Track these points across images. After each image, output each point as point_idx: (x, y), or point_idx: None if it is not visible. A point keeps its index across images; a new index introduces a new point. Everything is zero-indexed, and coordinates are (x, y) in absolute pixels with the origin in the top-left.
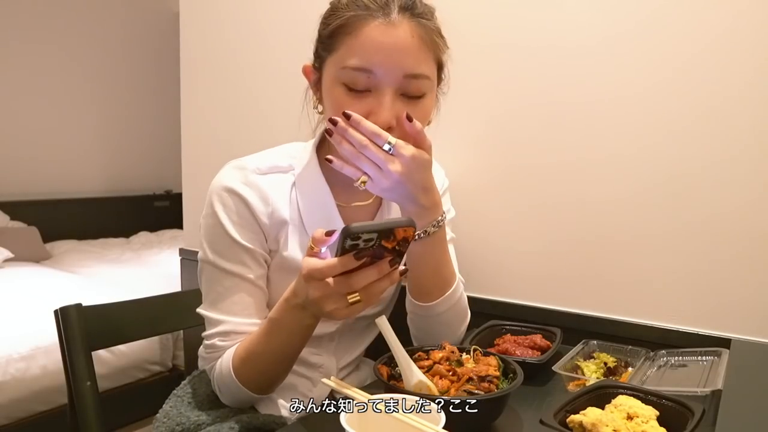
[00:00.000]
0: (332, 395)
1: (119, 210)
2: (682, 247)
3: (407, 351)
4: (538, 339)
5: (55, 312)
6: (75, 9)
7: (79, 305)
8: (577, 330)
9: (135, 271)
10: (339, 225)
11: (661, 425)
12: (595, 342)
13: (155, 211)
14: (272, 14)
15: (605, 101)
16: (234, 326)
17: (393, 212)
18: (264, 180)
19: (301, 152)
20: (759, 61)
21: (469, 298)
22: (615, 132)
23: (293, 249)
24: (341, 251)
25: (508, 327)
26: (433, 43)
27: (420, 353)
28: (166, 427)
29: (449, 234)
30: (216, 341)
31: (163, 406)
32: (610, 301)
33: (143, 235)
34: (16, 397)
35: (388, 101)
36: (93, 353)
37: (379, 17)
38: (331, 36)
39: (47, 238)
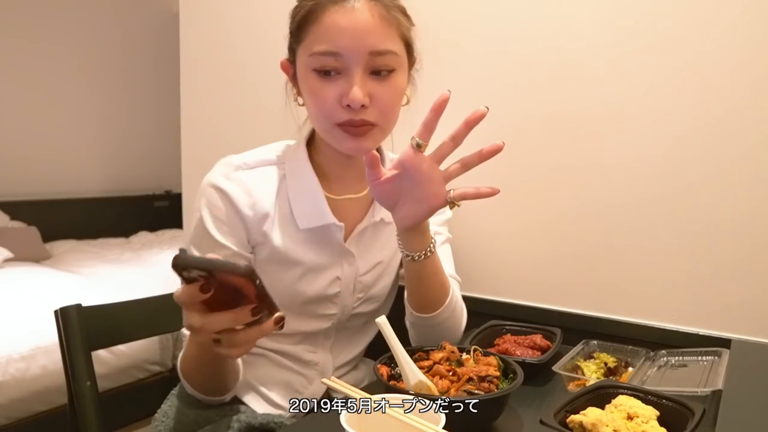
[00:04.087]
0: (328, 394)
1: (119, 210)
2: (682, 248)
3: (407, 351)
4: (538, 339)
5: (55, 312)
6: (75, 9)
7: (79, 305)
8: (577, 330)
9: (135, 271)
10: (328, 217)
11: (661, 425)
12: (595, 342)
13: (155, 211)
14: (272, 14)
15: (605, 105)
16: None
17: (384, 209)
18: (249, 174)
19: (293, 146)
20: (762, 68)
21: (469, 298)
22: (616, 134)
23: (283, 241)
24: (184, 280)
25: (508, 327)
26: (395, 20)
27: (420, 353)
28: (165, 426)
29: (445, 234)
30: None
31: (162, 406)
32: (610, 301)
33: (143, 235)
34: (16, 397)
35: (358, 80)
36: (93, 353)
37: (339, 2)
38: (298, 27)
39: (47, 238)
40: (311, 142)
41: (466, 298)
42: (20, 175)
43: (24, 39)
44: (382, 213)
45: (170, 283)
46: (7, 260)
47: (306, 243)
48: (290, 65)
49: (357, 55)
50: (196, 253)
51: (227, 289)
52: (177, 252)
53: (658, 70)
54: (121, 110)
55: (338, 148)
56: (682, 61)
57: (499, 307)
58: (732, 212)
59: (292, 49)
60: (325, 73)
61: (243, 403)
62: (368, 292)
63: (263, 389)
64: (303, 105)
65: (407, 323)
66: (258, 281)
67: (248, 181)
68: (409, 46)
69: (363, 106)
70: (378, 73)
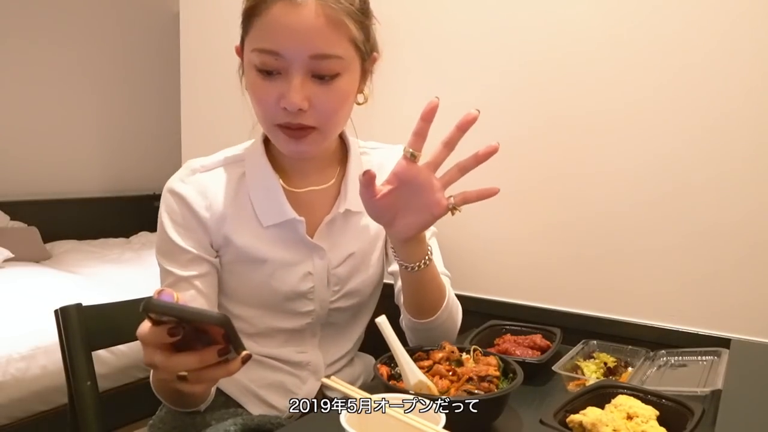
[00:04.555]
0: (323, 392)
1: (119, 210)
2: (682, 248)
3: (407, 351)
4: (538, 339)
5: (55, 312)
6: (74, 9)
7: (79, 305)
8: (577, 330)
9: (135, 271)
10: (288, 212)
11: (661, 425)
12: (595, 342)
13: (155, 211)
14: None
15: (606, 108)
16: None
17: (350, 199)
18: (205, 175)
19: (253, 143)
20: (762, 70)
21: (470, 298)
22: (616, 136)
23: (247, 240)
24: (151, 321)
25: (508, 327)
26: (343, 22)
27: (420, 353)
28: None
29: (431, 229)
30: None
31: (158, 411)
32: (610, 301)
33: (143, 235)
34: (16, 397)
35: (297, 83)
36: (93, 353)
37: None
38: (245, 17)
39: (47, 238)
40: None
41: (466, 298)
42: (20, 175)
43: (24, 39)
44: (347, 203)
45: None
46: (7, 260)
47: (272, 240)
48: (241, 53)
49: (297, 57)
50: (156, 254)
51: (195, 331)
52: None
53: (659, 72)
54: (121, 110)
55: (279, 149)
56: (683, 64)
57: (499, 307)
58: (732, 213)
59: (242, 39)
60: (266, 72)
61: (240, 406)
62: (345, 285)
63: (259, 392)
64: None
65: (404, 327)
66: (228, 326)
67: (204, 182)
68: (360, 48)
69: (301, 110)
70: (321, 77)
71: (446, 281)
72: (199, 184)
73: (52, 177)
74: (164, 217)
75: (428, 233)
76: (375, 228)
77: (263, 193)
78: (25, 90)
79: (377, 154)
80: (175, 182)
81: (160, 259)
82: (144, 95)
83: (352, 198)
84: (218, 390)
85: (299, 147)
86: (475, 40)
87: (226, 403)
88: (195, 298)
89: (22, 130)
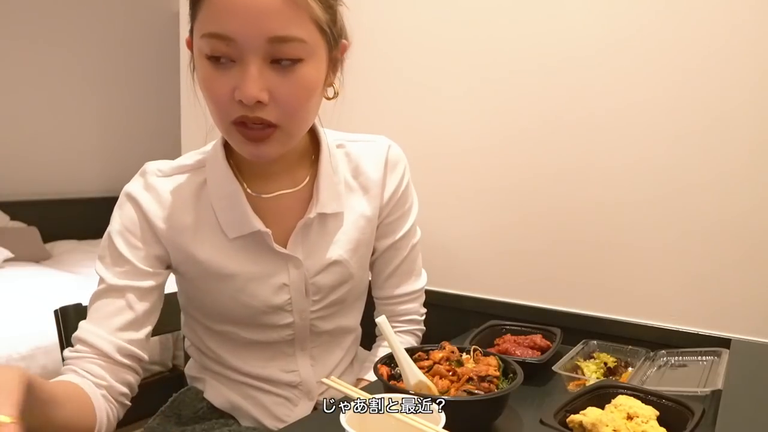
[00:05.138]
0: (317, 411)
1: None
2: (682, 248)
3: (407, 351)
4: (538, 339)
5: (55, 312)
6: (74, 9)
7: (79, 305)
8: (577, 330)
9: None
10: (253, 223)
11: (661, 425)
12: (595, 342)
13: None
14: None
15: (607, 107)
16: (81, 332)
17: (323, 201)
18: (165, 182)
19: (212, 147)
20: (761, 69)
21: (470, 298)
22: (617, 134)
23: (211, 254)
24: None
25: (508, 327)
26: (303, 1)
27: (420, 353)
28: None
29: (417, 236)
30: (69, 349)
31: (150, 422)
32: (610, 301)
33: None
34: None
35: (254, 72)
36: None
37: None
38: (192, 1)
39: (47, 238)
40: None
41: (466, 298)
42: (20, 175)
43: (23, 39)
44: (321, 206)
45: (170, 283)
46: (7, 260)
47: (240, 252)
48: (191, 44)
49: (252, 41)
50: (99, 266)
51: None
52: None
53: (659, 72)
54: (121, 110)
55: (239, 152)
56: (682, 62)
57: (499, 307)
58: (732, 213)
59: (191, 26)
60: (217, 60)
61: (232, 417)
62: (328, 295)
63: (251, 411)
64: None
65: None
66: None
67: (164, 191)
68: (325, 31)
69: (260, 102)
70: (280, 63)
71: (418, 283)
72: (158, 194)
73: (52, 177)
74: (116, 222)
75: (414, 240)
76: (356, 232)
77: (226, 202)
78: (25, 90)
79: (356, 147)
80: (133, 187)
81: (98, 263)
82: (144, 95)
83: (327, 199)
84: (208, 403)
85: (260, 150)
86: (470, 40)
87: (216, 414)
88: (122, 310)
89: (22, 130)
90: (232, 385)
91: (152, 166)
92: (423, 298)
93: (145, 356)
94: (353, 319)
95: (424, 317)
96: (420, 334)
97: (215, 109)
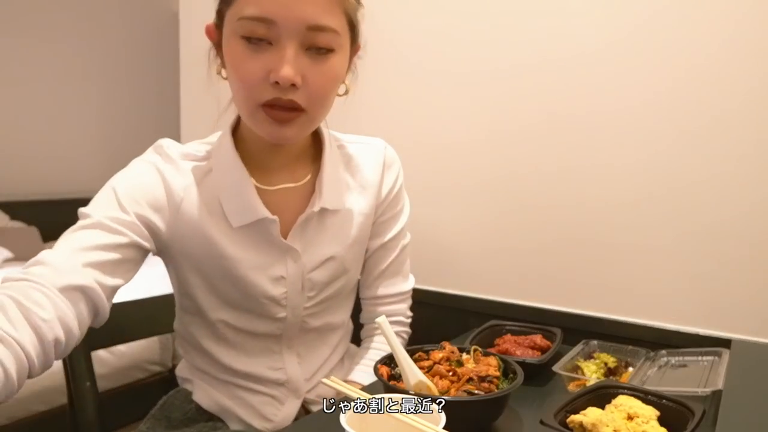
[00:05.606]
0: (305, 410)
1: None
2: (682, 248)
3: (407, 351)
4: (538, 339)
5: None
6: (74, 9)
7: None
8: (577, 330)
9: None
10: (260, 211)
11: (661, 425)
12: (595, 342)
13: None
14: None
15: (607, 107)
16: (46, 255)
17: (325, 197)
18: (180, 162)
19: (220, 136)
20: (761, 69)
21: (470, 298)
22: (616, 135)
23: (216, 236)
24: None
25: (508, 327)
26: None
27: (420, 353)
28: None
29: (407, 238)
30: (28, 266)
31: (140, 426)
32: (611, 301)
33: None
34: (16, 397)
35: (291, 55)
36: (93, 353)
37: None
38: None
39: (47, 238)
40: (238, 129)
41: (465, 298)
42: (20, 175)
43: (24, 38)
44: (323, 201)
45: (169, 284)
46: (7, 260)
47: (242, 242)
48: (216, 31)
49: (293, 25)
50: (86, 208)
51: None
52: None
53: (658, 72)
54: (121, 110)
55: (259, 133)
56: (682, 61)
57: (499, 307)
58: (732, 212)
59: (221, 13)
60: (254, 42)
61: (220, 420)
62: (322, 291)
63: (238, 411)
64: (227, 78)
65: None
66: None
67: (182, 168)
68: (353, 28)
69: (293, 85)
70: (316, 51)
71: (404, 285)
72: (177, 166)
73: (52, 177)
74: (124, 179)
75: (404, 241)
76: (353, 229)
77: (233, 191)
78: (24, 89)
79: (354, 148)
80: (154, 158)
81: (84, 209)
82: (144, 95)
83: (329, 196)
84: (196, 405)
85: (282, 131)
86: (470, 41)
87: (205, 416)
88: (106, 248)
89: (21, 130)
90: (220, 386)
91: (167, 142)
92: (410, 301)
93: (105, 314)
94: (342, 315)
95: (410, 320)
96: (406, 337)
97: (244, 89)
